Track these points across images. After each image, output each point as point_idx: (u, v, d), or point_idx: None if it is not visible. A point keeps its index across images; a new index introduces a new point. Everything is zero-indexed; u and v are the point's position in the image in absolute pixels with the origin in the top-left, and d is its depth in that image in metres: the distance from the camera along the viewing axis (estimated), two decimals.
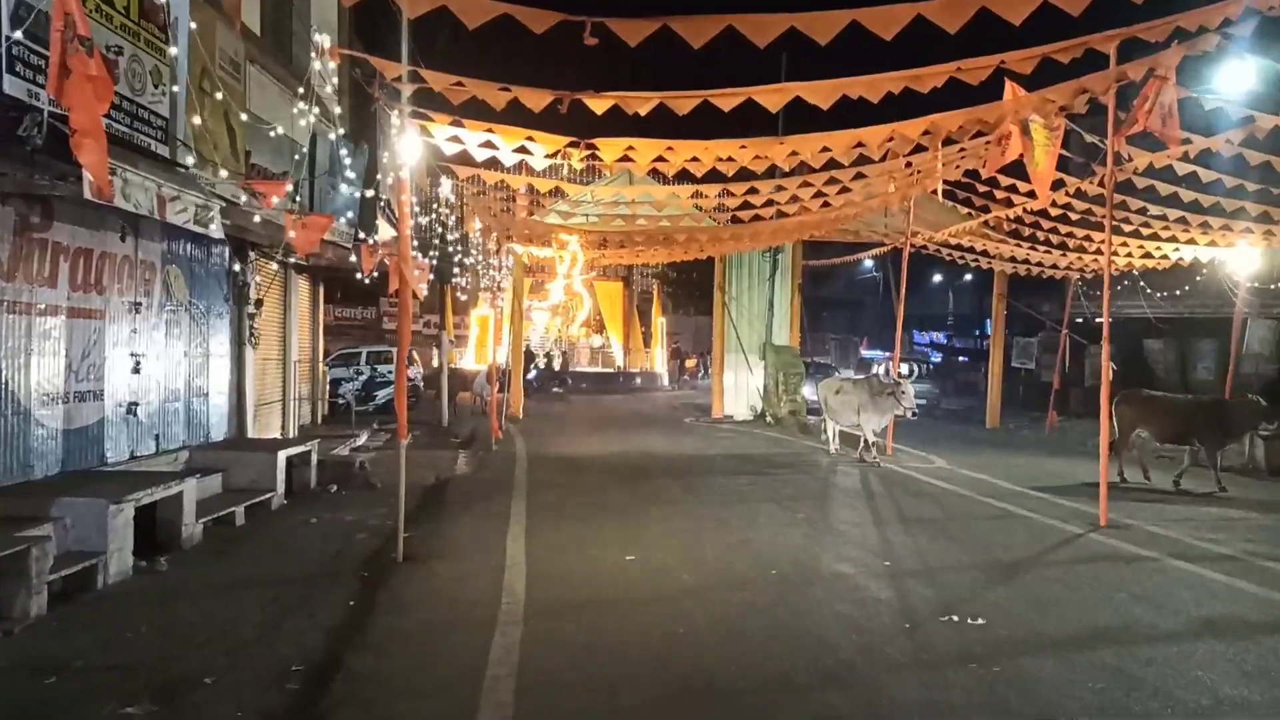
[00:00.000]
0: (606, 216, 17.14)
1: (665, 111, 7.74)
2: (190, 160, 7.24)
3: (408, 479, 12.42)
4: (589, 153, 8.49)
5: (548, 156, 8.86)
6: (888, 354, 34.91)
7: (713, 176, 11.33)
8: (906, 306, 15.74)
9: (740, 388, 21.81)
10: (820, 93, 7.58)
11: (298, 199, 9.34)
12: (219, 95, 7.65)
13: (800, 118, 10.25)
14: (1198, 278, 18.09)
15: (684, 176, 12.15)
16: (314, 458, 11.26)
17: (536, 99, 7.58)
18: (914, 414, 13.90)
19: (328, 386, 18.44)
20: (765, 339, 20.81)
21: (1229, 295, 17.00)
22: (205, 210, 7.03)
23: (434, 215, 10.75)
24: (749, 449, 16.43)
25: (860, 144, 9.25)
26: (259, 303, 11.89)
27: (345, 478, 11.60)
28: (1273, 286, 18.16)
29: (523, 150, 8.46)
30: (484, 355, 31.36)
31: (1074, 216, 16.31)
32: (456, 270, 15.40)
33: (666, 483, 12.16)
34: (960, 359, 39.08)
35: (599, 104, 7.62)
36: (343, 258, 12.17)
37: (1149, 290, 19.32)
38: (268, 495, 9.88)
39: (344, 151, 11.45)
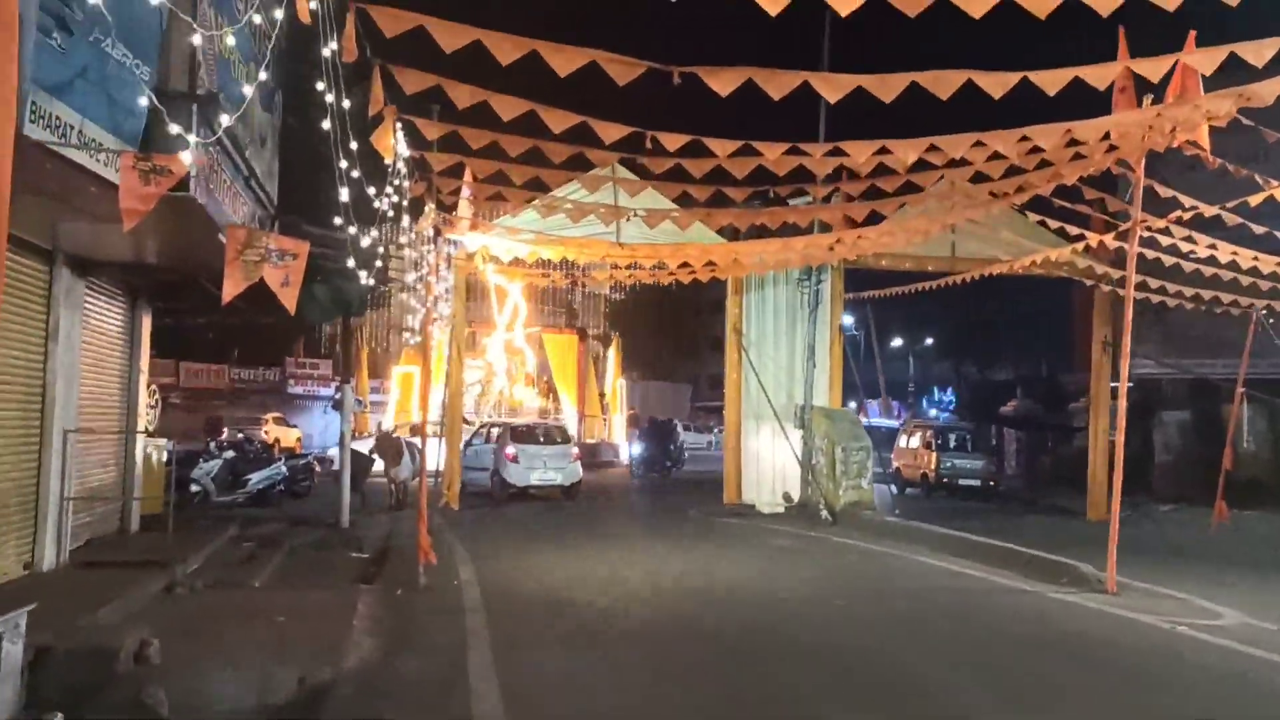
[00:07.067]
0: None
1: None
2: None
3: (237, 687, 5.91)
4: None
5: None
6: (905, 417, 29.33)
7: None
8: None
9: (765, 466, 15.81)
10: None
11: None
12: None
13: None
14: None
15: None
16: (16, 647, 4.93)
17: None
18: None
19: (166, 471, 11.80)
20: (804, 398, 14.95)
21: None
22: None
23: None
24: (896, 587, 9.77)
25: None
26: None
27: (93, 687, 5.30)
28: None
29: None
30: (407, 422, 24.98)
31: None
32: (372, 282, 9.09)
33: None
34: None
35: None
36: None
37: None
38: None
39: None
